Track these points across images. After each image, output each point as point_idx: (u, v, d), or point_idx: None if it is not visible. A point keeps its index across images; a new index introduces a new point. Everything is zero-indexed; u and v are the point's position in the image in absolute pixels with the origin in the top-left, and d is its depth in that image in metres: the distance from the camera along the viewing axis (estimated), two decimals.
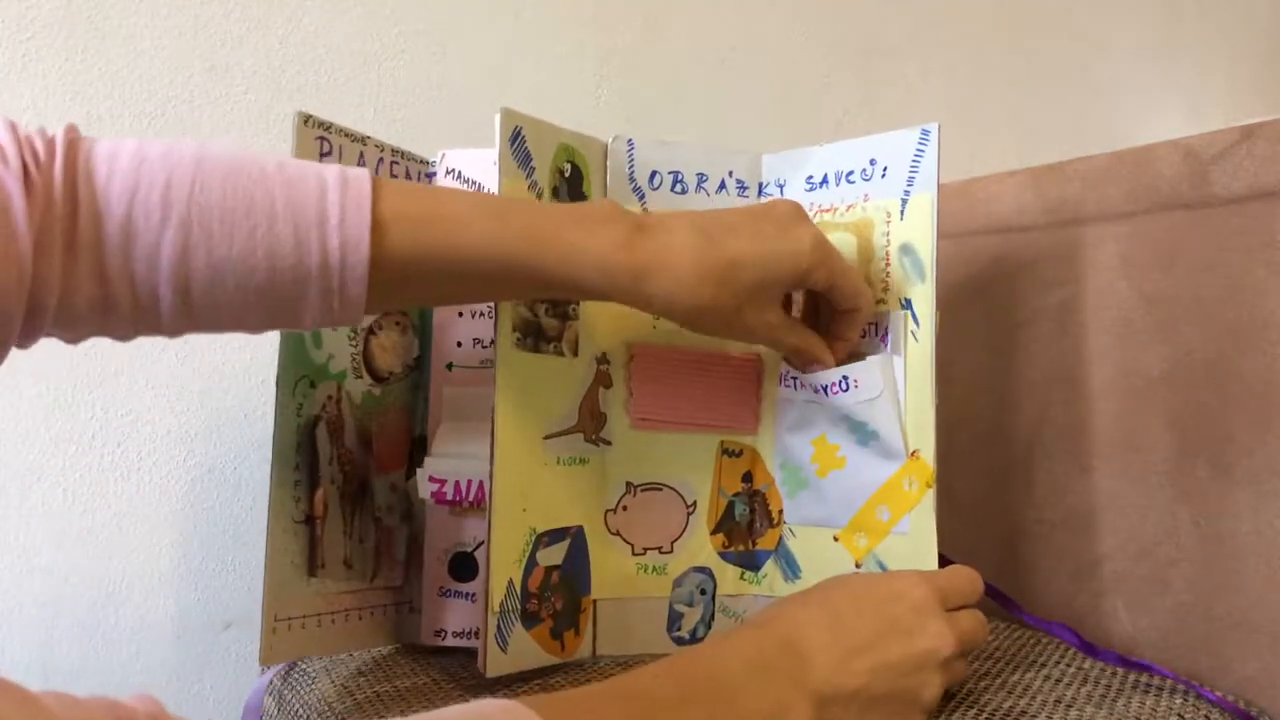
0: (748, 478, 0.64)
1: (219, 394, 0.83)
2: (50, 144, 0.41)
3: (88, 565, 0.80)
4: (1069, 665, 0.59)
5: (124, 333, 0.45)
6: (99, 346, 0.79)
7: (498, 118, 0.55)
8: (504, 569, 0.54)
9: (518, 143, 0.56)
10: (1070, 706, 0.53)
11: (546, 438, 0.58)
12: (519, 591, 0.55)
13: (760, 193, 0.64)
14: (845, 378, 0.58)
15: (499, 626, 0.54)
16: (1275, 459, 0.54)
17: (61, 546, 0.79)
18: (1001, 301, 0.70)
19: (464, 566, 0.61)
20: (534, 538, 0.56)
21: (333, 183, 0.45)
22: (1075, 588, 0.65)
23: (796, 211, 0.54)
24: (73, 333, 0.44)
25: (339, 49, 0.86)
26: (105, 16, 0.78)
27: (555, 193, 0.59)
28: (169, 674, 0.82)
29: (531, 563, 0.56)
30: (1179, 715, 0.52)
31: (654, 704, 0.41)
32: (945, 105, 1.18)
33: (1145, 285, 0.60)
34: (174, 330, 0.45)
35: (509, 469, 0.54)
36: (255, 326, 0.47)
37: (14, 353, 0.42)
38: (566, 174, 0.59)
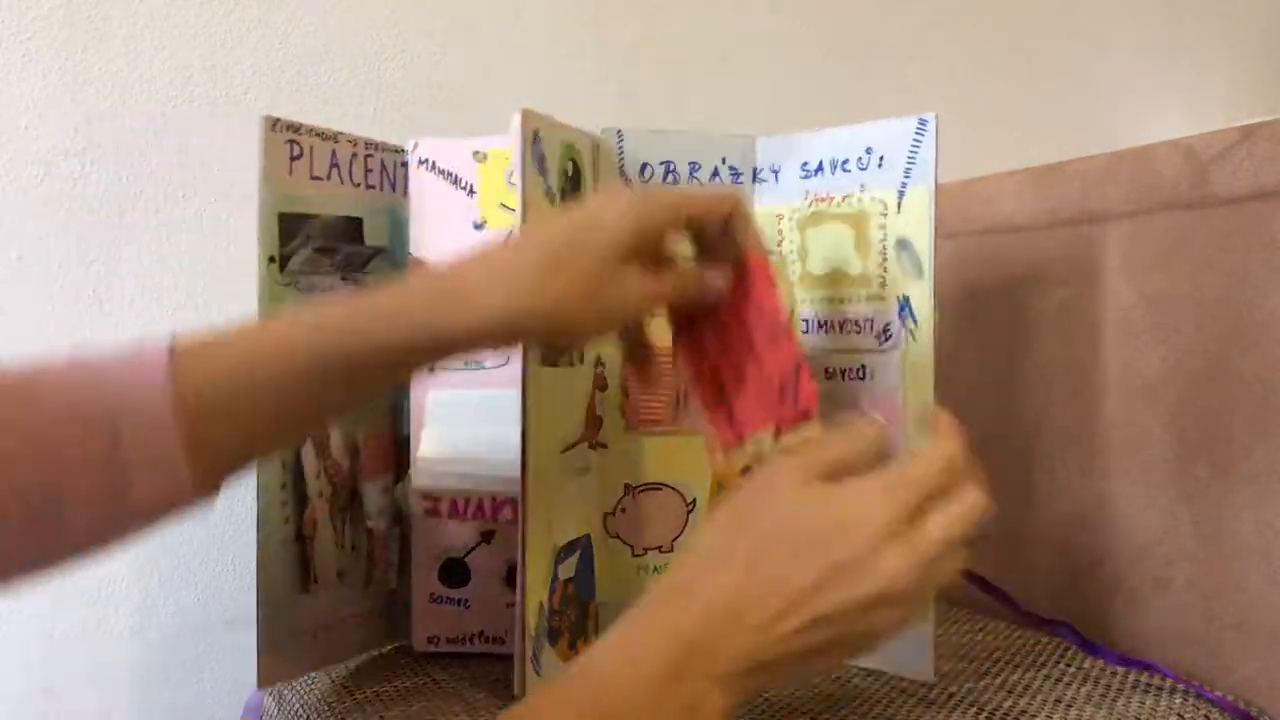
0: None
1: None
2: None
3: (88, 565, 0.80)
4: (1069, 665, 0.59)
5: None
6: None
7: (516, 119, 0.51)
8: (536, 594, 0.53)
9: (537, 146, 0.54)
10: (1070, 706, 0.53)
11: (563, 451, 0.57)
12: (547, 611, 0.55)
13: (755, 178, 0.63)
14: (863, 366, 0.58)
15: (534, 652, 0.53)
16: (1275, 459, 0.54)
17: None
18: (1001, 302, 0.70)
19: (455, 572, 0.61)
20: (555, 555, 0.56)
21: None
22: (1075, 587, 0.65)
23: (611, 188, 0.50)
24: None
25: (339, 49, 0.86)
26: (105, 16, 0.78)
27: (564, 194, 0.57)
28: (169, 674, 0.82)
29: (554, 581, 0.56)
30: (1179, 715, 0.52)
31: None
32: (945, 104, 1.17)
33: (1145, 285, 0.60)
34: None
35: (540, 496, 0.53)
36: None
37: (16, 354, 0.42)
38: (570, 174, 0.59)
